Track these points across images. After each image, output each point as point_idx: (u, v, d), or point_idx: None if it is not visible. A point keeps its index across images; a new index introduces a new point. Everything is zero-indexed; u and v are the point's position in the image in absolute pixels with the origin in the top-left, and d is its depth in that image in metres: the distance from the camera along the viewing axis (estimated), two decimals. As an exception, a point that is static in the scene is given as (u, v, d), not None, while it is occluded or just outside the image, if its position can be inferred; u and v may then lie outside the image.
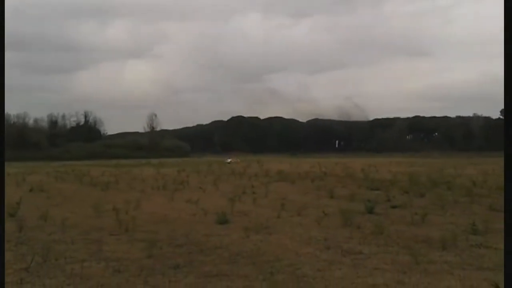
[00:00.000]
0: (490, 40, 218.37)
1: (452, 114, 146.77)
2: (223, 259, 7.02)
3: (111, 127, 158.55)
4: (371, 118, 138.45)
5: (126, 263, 6.77)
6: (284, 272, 6.11)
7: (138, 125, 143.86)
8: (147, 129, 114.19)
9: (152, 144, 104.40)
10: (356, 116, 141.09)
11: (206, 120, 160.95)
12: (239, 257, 7.09)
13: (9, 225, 9.83)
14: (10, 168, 38.93)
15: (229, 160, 13.71)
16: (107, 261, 6.93)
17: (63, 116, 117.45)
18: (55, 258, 7.02)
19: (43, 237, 8.87)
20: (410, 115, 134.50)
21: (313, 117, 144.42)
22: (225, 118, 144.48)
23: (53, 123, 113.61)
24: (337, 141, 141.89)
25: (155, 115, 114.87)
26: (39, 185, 21.30)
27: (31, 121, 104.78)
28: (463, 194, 15.78)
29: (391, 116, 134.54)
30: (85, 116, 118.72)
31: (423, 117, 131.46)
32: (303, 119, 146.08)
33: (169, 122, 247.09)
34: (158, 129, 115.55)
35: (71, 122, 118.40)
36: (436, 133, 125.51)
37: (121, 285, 5.67)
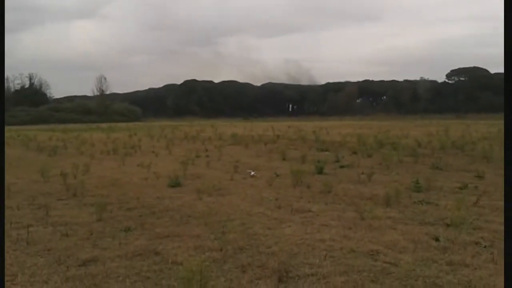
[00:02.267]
0: (437, 5, 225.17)
1: (400, 77, 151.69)
2: (174, 220, 7.04)
3: (58, 91, 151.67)
4: (323, 82, 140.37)
5: (74, 227, 6.66)
6: (235, 232, 6.23)
7: (87, 89, 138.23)
8: (96, 93, 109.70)
9: (102, 108, 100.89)
10: (307, 80, 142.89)
11: (158, 84, 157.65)
12: (191, 218, 7.14)
13: None
14: None
15: (252, 173, 13.38)
16: (55, 225, 6.78)
17: (7, 79, 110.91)
18: None
19: (-15, 204, 8.51)
20: (360, 79, 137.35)
21: (267, 81, 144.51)
22: (178, 82, 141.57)
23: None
24: (290, 105, 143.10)
25: (105, 78, 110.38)
26: (-20, 151, 20.22)
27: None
28: (407, 154, 16.50)
29: (342, 80, 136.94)
30: (30, 79, 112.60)
31: (372, 81, 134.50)
32: (257, 83, 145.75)
33: (119, 85, 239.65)
34: (107, 92, 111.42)
35: (15, 85, 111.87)
36: (385, 97, 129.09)
37: (69, 248, 5.59)
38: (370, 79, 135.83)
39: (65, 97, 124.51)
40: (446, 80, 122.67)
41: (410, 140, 24.34)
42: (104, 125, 66.30)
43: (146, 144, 25.10)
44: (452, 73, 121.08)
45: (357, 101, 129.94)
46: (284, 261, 4.92)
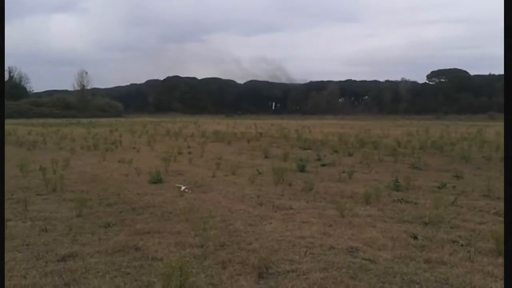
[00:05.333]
0: (414, 8, 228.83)
1: (381, 78, 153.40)
2: (155, 217, 7.01)
3: (37, 85, 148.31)
4: (305, 81, 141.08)
5: (53, 222, 6.58)
6: (216, 228, 6.23)
7: (67, 83, 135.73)
8: (77, 87, 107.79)
9: (83, 103, 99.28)
10: (288, 79, 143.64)
11: (140, 79, 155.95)
12: (172, 215, 7.12)
13: None
14: None
15: (182, 188, 12.86)
16: (34, 220, 6.69)
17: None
18: (-25, 219, 6.65)
19: (-39, 198, 8.32)
20: (342, 78, 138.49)
21: (250, 79, 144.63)
22: (161, 78, 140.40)
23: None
24: (273, 103, 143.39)
25: (86, 72, 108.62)
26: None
27: None
28: (388, 154, 16.74)
29: (325, 79, 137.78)
30: (10, 72, 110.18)
31: (354, 81, 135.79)
32: (239, 80, 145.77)
33: (100, 80, 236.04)
34: (88, 87, 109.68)
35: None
36: (366, 96, 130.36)
37: (48, 243, 5.52)
38: (353, 78, 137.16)
39: (45, 91, 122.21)
40: (427, 81, 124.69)
41: (390, 139, 24.68)
42: (84, 120, 65.44)
43: (127, 140, 24.88)
44: (433, 74, 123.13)
45: (339, 100, 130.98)
46: (264, 258, 4.95)
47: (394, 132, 32.99)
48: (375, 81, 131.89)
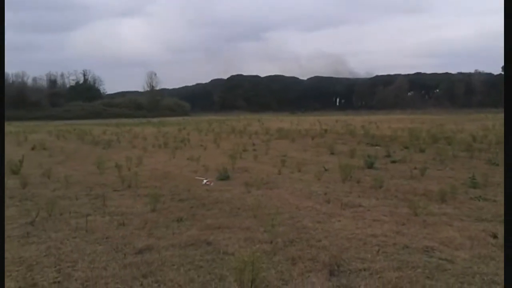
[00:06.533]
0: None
1: (454, 70, 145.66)
2: (224, 212, 7.13)
3: (110, 86, 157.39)
4: (371, 75, 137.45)
5: (130, 217, 6.90)
6: (285, 225, 6.23)
7: (137, 84, 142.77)
8: (147, 88, 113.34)
9: (152, 103, 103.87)
10: (353, 74, 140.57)
11: (205, 79, 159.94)
12: (241, 211, 7.21)
13: (13, 182, 9.97)
14: (11, 127, 39.02)
15: (205, 181, 12.85)
16: (112, 215, 7.05)
17: (62, 75, 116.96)
18: (59, 213, 7.13)
19: (47, 193, 8.99)
20: (411, 71, 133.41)
21: (313, 75, 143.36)
22: (225, 77, 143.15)
23: (52, 82, 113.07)
24: (337, 99, 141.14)
25: (155, 74, 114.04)
26: (41, 143, 21.38)
27: (29, 80, 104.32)
28: (463, 149, 15.86)
29: (392, 73, 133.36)
30: (84, 75, 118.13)
31: (424, 74, 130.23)
32: (302, 76, 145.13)
33: (168, 81, 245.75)
34: (157, 88, 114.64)
35: (70, 81, 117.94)
36: (437, 90, 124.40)
37: (126, 237, 5.79)
38: (422, 71, 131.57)
39: (117, 93, 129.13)
40: (502, 73, 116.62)
41: (465, 134, 23.38)
42: (154, 119, 68.23)
43: (195, 138, 25.58)
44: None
45: (408, 94, 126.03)
46: (335, 255, 4.87)
47: (469, 127, 31.22)
48: (447, 73, 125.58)
